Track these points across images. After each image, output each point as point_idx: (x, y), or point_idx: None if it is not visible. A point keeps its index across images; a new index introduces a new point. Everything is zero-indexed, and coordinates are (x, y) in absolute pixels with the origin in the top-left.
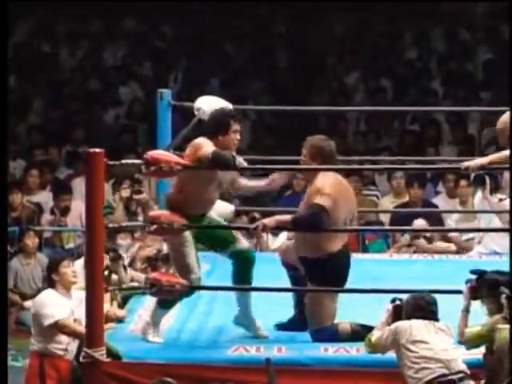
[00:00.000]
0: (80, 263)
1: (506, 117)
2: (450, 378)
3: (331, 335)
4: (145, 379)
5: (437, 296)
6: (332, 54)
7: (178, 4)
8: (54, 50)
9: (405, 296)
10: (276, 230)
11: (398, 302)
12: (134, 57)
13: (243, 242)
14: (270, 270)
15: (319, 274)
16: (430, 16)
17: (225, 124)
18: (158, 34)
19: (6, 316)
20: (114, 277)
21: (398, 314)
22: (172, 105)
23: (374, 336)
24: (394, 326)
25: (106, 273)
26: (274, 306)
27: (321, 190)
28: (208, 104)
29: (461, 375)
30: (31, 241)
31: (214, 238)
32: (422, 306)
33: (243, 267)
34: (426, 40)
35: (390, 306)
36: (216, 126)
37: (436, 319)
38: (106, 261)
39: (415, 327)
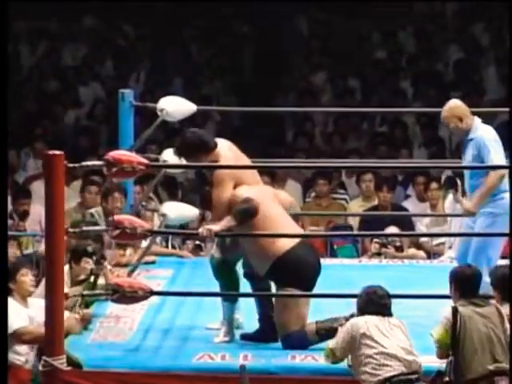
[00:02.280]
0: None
1: (451, 103)
2: (408, 377)
3: (300, 340)
4: None
5: (408, 301)
6: (298, 53)
7: (139, 2)
8: (11, 49)
9: None
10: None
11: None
12: (95, 56)
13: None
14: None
15: (279, 280)
16: (399, 15)
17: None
18: (119, 32)
19: (6, 317)
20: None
21: None
22: (134, 105)
23: (331, 343)
24: (348, 324)
25: (92, 278)
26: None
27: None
28: (171, 105)
29: (417, 375)
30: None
31: None
32: (374, 301)
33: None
34: (395, 40)
35: (347, 316)
36: None
37: (389, 314)
38: (91, 265)
39: (371, 323)
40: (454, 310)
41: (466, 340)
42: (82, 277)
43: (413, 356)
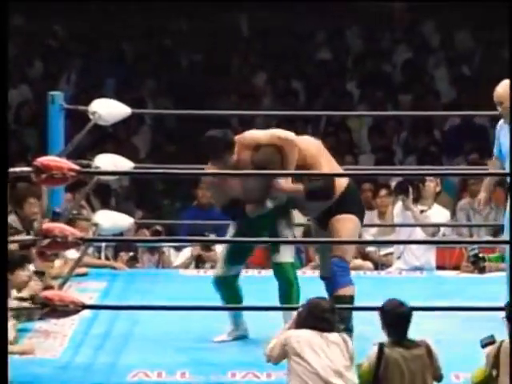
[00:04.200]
0: None
1: (503, 84)
2: None
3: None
4: None
5: (354, 314)
6: (237, 53)
7: (70, 1)
8: None
9: None
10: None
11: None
12: (23, 57)
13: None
14: (172, 289)
15: (344, 208)
16: (345, 14)
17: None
18: (49, 32)
19: (6, 316)
20: None
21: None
22: (65, 108)
23: (269, 345)
24: (283, 335)
25: None
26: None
27: None
28: (104, 107)
29: None
30: None
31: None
32: (315, 314)
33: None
34: (340, 39)
35: (295, 313)
36: None
37: (330, 329)
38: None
39: (303, 338)
40: (380, 348)
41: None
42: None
43: (341, 379)
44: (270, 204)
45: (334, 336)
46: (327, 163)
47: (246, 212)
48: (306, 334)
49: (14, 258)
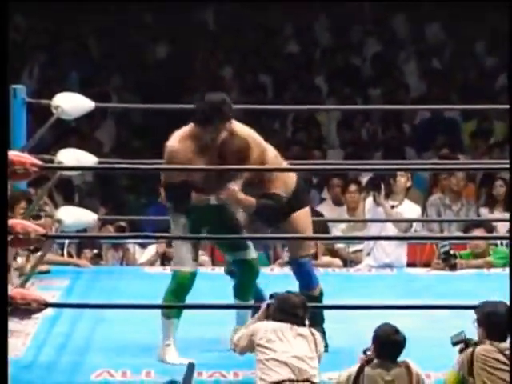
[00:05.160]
0: None
1: None
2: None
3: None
4: None
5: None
6: (204, 48)
7: None
8: None
9: None
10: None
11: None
12: None
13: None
14: (137, 286)
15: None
16: (314, 7)
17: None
18: (10, 24)
19: (6, 316)
20: None
21: (268, 313)
22: (27, 102)
23: (237, 335)
24: (251, 327)
25: None
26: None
27: None
28: (67, 101)
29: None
30: None
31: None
32: (285, 309)
33: (247, 278)
34: (308, 32)
35: (265, 304)
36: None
37: (301, 323)
38: None
39: (271, 329)
40: (361, 367)
41: None
42: None
43: (306, 365)
44: (214, 201)
45: (304, 330)
46: (282, 175)
47: (190, 199)
48: (276, 325)
49: None
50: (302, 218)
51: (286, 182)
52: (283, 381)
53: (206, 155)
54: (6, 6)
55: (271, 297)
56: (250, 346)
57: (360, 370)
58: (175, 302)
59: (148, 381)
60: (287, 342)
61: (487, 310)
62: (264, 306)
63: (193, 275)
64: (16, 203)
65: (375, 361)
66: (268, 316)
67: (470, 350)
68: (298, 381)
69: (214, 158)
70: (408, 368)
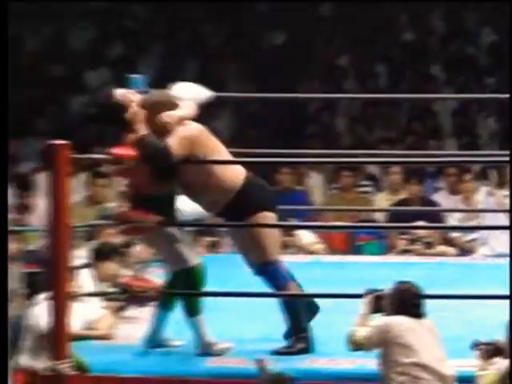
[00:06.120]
0: (86, 272)
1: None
2: None
3: (278, 271)
4: None
5: (436, 301)
6: (319, 36)
7: None
8: (13, 32)
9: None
10: None
11: (376, 294)
12: (103, 39)
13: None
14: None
15: (245, 209)
16: None
17: None
18: (129, 14)
19: (6, 315)
20: None
21: (377, 305)
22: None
23: (359, 334)
24: (381, 322)
25: None
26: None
27: None
28: (184, 91)
29: None
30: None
31: None
32: (408, 300)
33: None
34: (424, 21)
35: (369, 298)
36: None
37: (422, 315)
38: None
39: (406, 326)
40: None
41: None
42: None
43: (445, 367)
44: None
45: (427, 322)
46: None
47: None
48: (406, 321)
49: (105, 249)
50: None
51: (225, 182)
52: None
53: None
54: (6, 6)
55: (374, 290)
56: (383, 343)
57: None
58: (197, 299)
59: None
60: (423, 340)
61: None
62: (369, 297)
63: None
64: None
65: None
66: (378, 308)
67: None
68: None
69: None
70: None
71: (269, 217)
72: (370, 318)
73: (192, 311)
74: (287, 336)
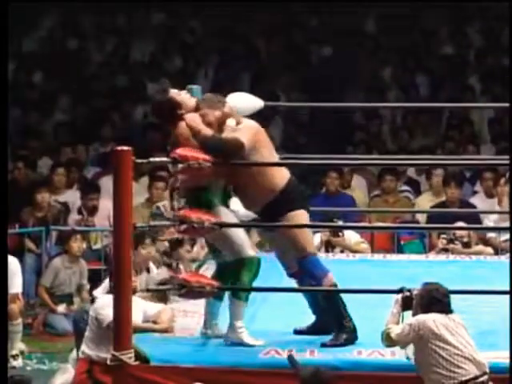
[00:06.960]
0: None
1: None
2: (480, 379)
3: (317, 264)
4: (172, 383)
5: (473, 297)
6: (365, 49)
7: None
8: (80, 45)
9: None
10: None
11: (406, 293)
12: (163, 52)
13: None
14: None
15: (284, 207)
16: (467, 10)
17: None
18: (186, 28)
19: (6, 315)
20: None
21: (407, 304)
22: None
23: (393, 332)
24: (415, 320)
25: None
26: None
27: None
28: (239, 101)
29: (487, 377)
30: (77, 244)
31: None
32: (438, 299)
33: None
34: (462, 35)
35: (399, 297)
36: None
37: (451, 311)
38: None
39: (439, 322)
40: None
41: None
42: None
43: (479, 356)
44: None
45: (456, 317)
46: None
47: None
48: (439, 317)
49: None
50: (293, 221)
51: (272, 181)
52: (471, 379)
53: None
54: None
55: (406, 290)
56: (419, 342)
57: None
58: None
59: (311, 358)
60: (456, 333)
61: None
62: (399, 298)
63: (259, 260)
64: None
65: None
66: (408, 306)
67: None
68: (481, 375)
69: None
70: None
71: (305, 214)
72: (400, 316)
73: (239, 294)
74: (331, 329)
